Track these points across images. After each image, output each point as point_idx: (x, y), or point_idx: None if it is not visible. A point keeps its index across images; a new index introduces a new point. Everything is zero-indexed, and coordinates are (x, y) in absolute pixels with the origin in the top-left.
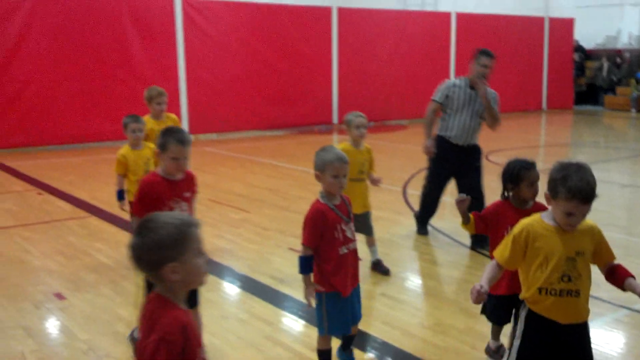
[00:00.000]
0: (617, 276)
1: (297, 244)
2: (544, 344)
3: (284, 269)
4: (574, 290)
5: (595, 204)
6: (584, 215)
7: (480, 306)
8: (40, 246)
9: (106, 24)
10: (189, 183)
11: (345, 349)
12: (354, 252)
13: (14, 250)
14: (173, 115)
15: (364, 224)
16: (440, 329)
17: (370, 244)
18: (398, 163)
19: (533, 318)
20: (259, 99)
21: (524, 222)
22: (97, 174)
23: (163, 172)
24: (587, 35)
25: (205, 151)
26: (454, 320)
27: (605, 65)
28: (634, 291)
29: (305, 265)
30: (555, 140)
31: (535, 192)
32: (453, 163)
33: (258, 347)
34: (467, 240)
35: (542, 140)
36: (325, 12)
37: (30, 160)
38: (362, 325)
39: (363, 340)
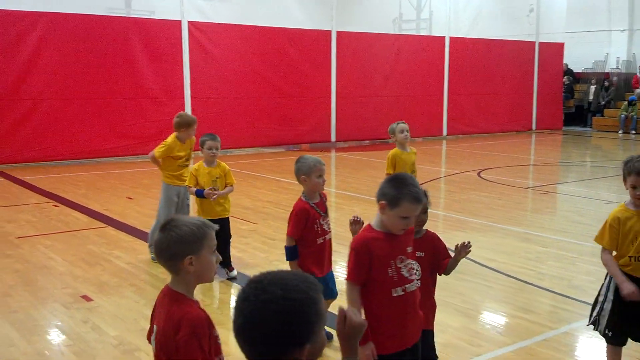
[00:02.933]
0: None
1: None
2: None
3: None
4: None
5: (582, 219)
6: None
7: None
8: (62, 254)
9: (116, 45)
10: (412, 236)
11: None
12: (329, 242)
13: (38, 258)
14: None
15: None
16: (438, 327)
17: None
18: None
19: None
20: (260, 117)
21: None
22: (108, 187)
23: (381, 227)
24: (576, 59)
25: None
26: (450, 320)
27: (594, 88)
28: None
29: (292, 253)
30: (544, 159)
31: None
32: None
33: None
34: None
35: (532, 160)
36: (325, 35)
37: (42, 174)
38: None
39: None
